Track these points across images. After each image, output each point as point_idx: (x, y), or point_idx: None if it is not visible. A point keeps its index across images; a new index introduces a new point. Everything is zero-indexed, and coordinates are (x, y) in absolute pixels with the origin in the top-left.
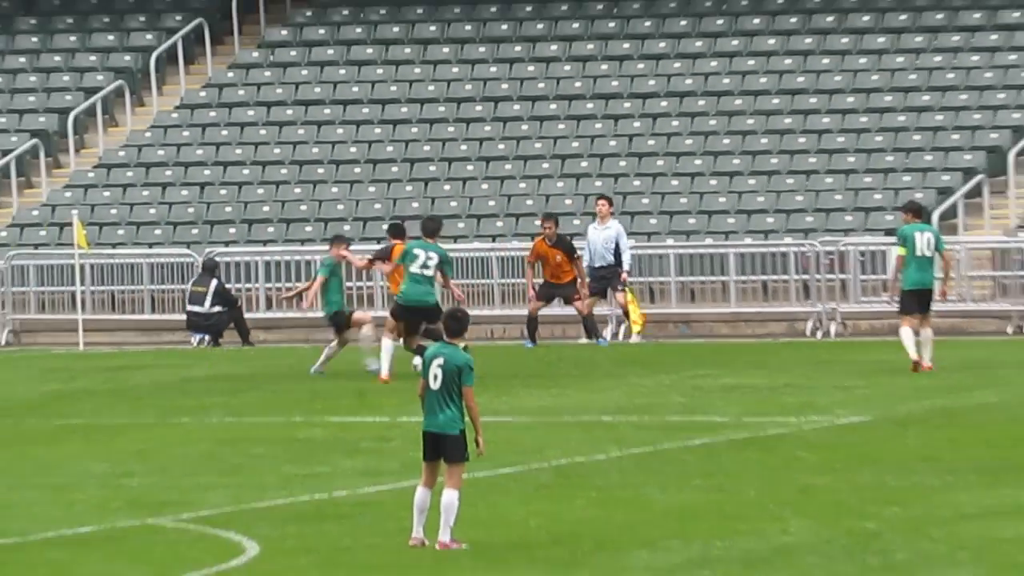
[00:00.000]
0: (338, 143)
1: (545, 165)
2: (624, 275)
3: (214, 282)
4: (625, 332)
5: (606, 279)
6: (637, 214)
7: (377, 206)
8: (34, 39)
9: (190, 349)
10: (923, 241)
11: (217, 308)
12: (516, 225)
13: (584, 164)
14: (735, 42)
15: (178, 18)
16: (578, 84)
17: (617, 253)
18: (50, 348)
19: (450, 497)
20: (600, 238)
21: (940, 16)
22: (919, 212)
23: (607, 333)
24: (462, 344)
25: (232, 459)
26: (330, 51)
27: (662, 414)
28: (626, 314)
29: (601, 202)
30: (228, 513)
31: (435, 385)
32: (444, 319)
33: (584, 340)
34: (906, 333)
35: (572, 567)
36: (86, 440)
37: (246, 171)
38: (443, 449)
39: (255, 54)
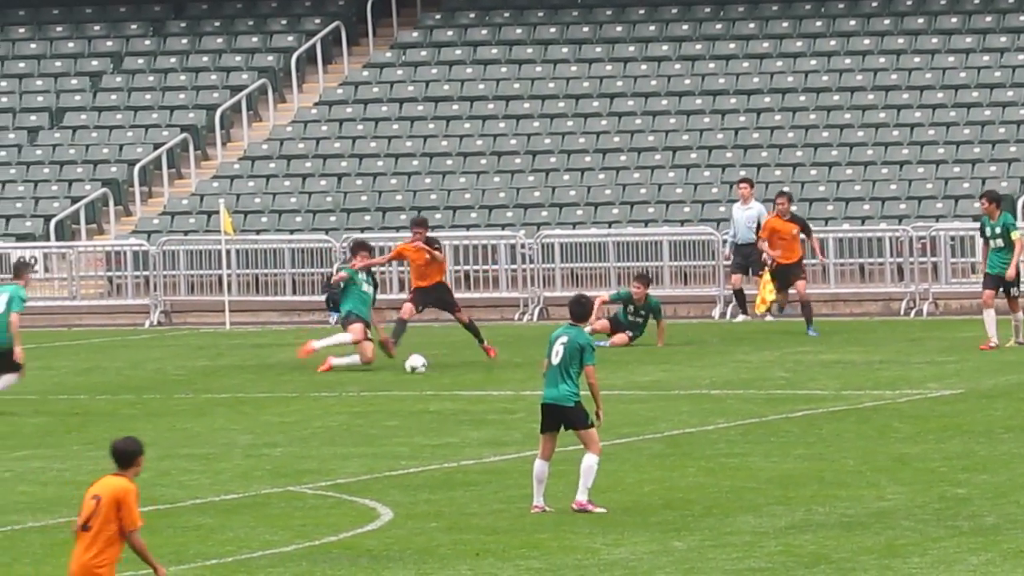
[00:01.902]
0: (465, 136)
1: (657, 156)
2: (765, 256)
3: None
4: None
5: (749, 256)
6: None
7: (501, 194)
8: (184, 41)
9: (328, 328)
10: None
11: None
12: (631, 212)
13: (693, 156)
14: (832, 42)
15: (317, 21)
16: (687, 81)
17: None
18: (198, 328)
19: (590, 461)
20: (743, 217)
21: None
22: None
23: (715, 312)
24: (587, 328)
25: (367, 431)
26: (458, 51)
27: (766, 388)
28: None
29: (743, 185)
30: (363, 481)
31: (555, 360)
32: (570, 304)
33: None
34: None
35: (683, 530)
36: (232, 413)
37: (380, 163)
38: (565, 418)
39: (388, 54)
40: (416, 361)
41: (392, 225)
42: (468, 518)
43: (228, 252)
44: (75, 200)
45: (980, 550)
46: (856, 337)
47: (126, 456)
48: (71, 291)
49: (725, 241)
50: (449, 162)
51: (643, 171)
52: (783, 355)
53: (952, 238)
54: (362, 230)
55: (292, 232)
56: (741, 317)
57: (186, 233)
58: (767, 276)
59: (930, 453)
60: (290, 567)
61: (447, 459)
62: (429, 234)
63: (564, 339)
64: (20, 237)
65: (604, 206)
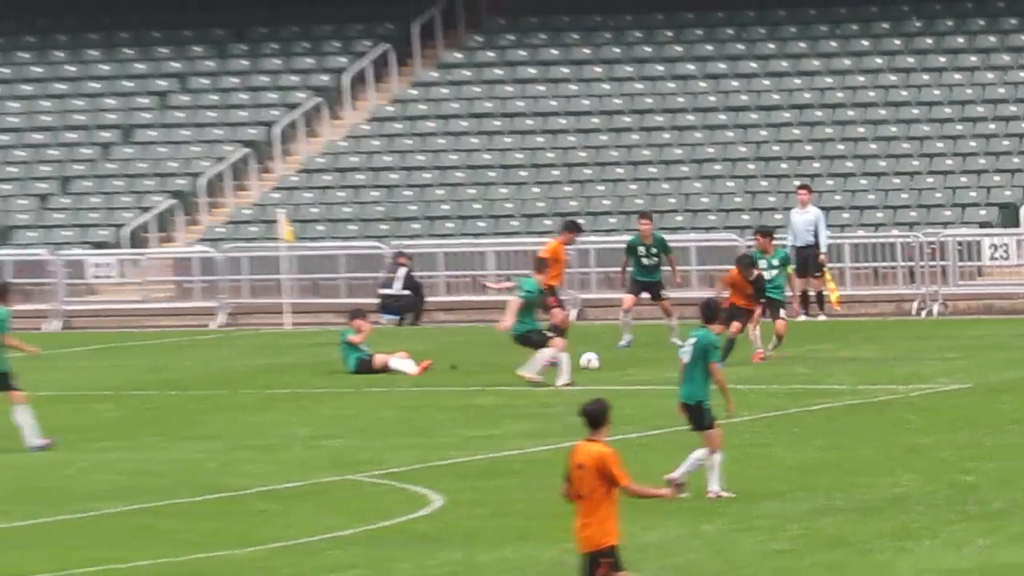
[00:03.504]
0: (506, 150)
1: (684, 168)
2: (822, 256)
3: (402, 269)
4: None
5: (808, 258)
6: (764, 210)
7: (540, 204)
8: (244, 62)
9: (381, 327)
10: None
11: (405, 291)
12: (660, 220)
13: (717, 167)
14: (847, 61)
15: (367, 43)
16: (712, 98)
17: (816, 235)
18: (260, 328)
19: (699, 454)
20: (801, 221)
21: None
22: None
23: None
24: (716, 329)
25: (418, 423)
26: (498, 71)
27: (788, 383)
28: (817, 296)
29: (802, 190)
30: (415, 470)
31: (685, 359)
32: (701, 307)
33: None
34: None
35: (711, 515)
36: (292, 407)
37: (427, 175)
38: (689, 418)
39: (434, 74)
40: (589, 357)
41: (439, 232)
42: (512, 504)
43: (287, 258)
44: (146, 210)
45: (987, 533)
46: (871, 336)
47: (596, 417)
48: (143, 295)
49: (784, 245)
50: (491, 174)
51: (671, 182)
52: (803, 352)
53: (959, 243)
54: (410, 237)
55: (346, 239)
56: (803, 317)
57: (249, 241)
58: (828, 275)
59: (940, 443)
60: (348, 550)
61: (492, 450)
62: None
63: (693, 340)
64: (96, 245)
65: (635, 214)
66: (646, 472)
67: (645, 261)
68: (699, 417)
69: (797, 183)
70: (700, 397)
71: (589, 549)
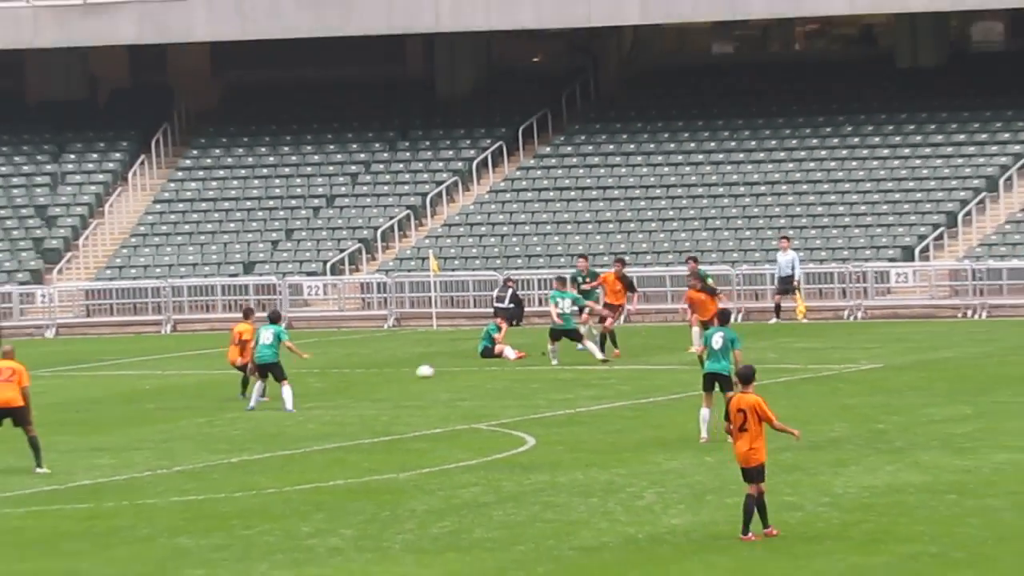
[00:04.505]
0: (578, 211)
1: (717, 222)
2: (796, 282)
3: (510, 289)
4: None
5: (785, 284)
6: (756, 250)
7: (600, 246)
8: (407, 154)
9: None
10: None
11: (511, 304)
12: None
13: (741, 221)
14: (801, 153)
15: (488, 141)
16: (735, 176)
17: (793, 269)
18: (416, 328)
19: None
20: (783, 260)
21: None
22: None
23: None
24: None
25: (519, 390)
26: (574, 160)
27: (761, 363)
28: (776, 307)
29: (783, 240)
30: (517, 421)
31: (716, 347)
32: (719, 314)
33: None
34: None
35: (712, 451)
36: (437, 380)
37: (527, 227)
38: (721, 381)
39: (532, 161)
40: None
41: (534, 265)
42: (581, 444)
43: (434, 283)
44: (342, 251)
45: (893, 463)
46: (817, 333)
47: (747, 376)
48: (339, 306)
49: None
50: (568, 227)
51: (687, 232)
52: (773, 344)
53: (876, 272)
54: (516, 268)
55: (472, 269)
56: (774, 320)
57: (409, 270)
58: (799, 295)
59: (862, 404)
60: (474, 474)
61: (568, 407)
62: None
63: (721, 334)
64: (308, 273)
65: (658, 254)
66: (675, 421)
67: (583, 287)
68: (727, 381)
69: (780, 234)
70: (727, 370)
71: (751, 464)
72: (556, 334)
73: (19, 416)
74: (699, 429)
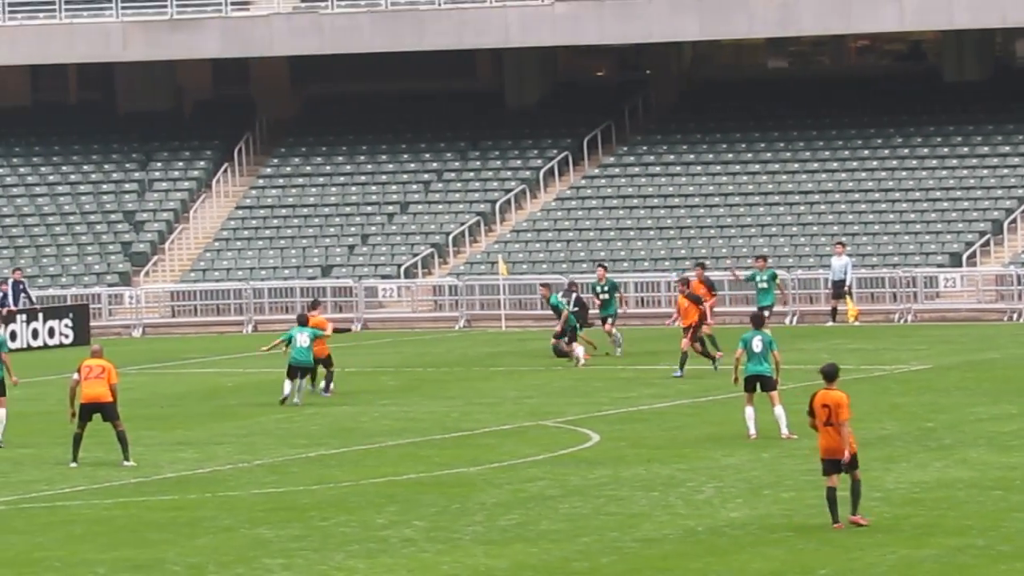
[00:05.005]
0: (640, 218)
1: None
2: (847, 287)
3: (574, 294)
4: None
5: (839, 287)
6: (815, 255)
7: (662, 252)
8: (477, 163)
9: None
10: None
11: (576, 308)
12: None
13: (795, 227)
14: (854, 163)
15: (554, 151)
16: (789, 186)
17: (846, 273)
18: (486, 329)
19: (779, 410)
20: (838, 264)
21: None
22: None
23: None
24: (767, 329)
25: (584, 388)
26: (636, 169)
27: (817, 364)
28: (833, 311)
29: (838, 245)
30: (582, 418)
31: (758, 349)
32: (752, 317)
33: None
34: None
35: (769, 448)
36: (505, 378)
37: (591, 233)
38: (763, 382)
39: (596, 170)
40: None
41: (591, 270)
42: (643, 440)
43: (504, 286)
44: (414, 254)
45: (941, 459)
46: (869, 335)
47: (832, 374)
48: (412, 308)
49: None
50: (631, 232)
51: (744, 238)
52: (827, 345)
53: (925, 277)
54: (581, 273)
55: (539, 273)
56: (830, 323)
57: (480, 273)
58: (850, 299)
59: (911, 402)
60: (540, 468)
61: (630, 405)
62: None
63: (760, 337)
64: (383, 276)
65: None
66: (732, 419)
67: (602, 297)
68: (771, 382)
69: (835, 241)
70: (769, 371)
71: (835, 457)
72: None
73: (108, 411)
74: (747, 427)
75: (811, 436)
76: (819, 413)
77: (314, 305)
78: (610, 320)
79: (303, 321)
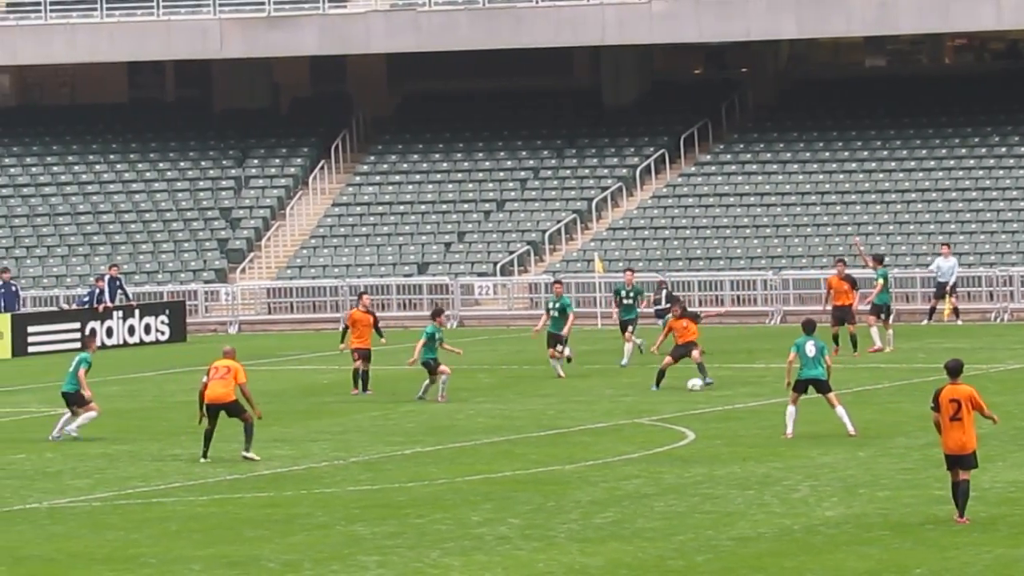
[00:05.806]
0: (736, 216)
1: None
2: (950, 286)
3: (664, 290)
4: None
5: (944, 287)
6: (925, 254)
7: (759, 249)
8: (573, 161)
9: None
10: None
11: (668, 304)
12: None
13: (892, 228)
14: (953, 161)
15: (651, 149)
16: (866, 186)
17: (952, 273)
18: (581, 327)
19: (840, 410)
20: (945, 265)
21: None
22: None
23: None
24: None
25: (678, 387)
26: (732, 167)
27: (911, 363)
28: (931, 310)
29: (944, 246)
30: (677, 416)
31: (811, 354)
32: (803, 324)
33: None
34: None
35: (863, 446)
36: (603, 376)
37: (688, 231)
38: (818, 385)
39: (692, 168)
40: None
41: (694, 268)
42: (738, 438)
43: (599, 283)
44: (511, 253)
45: None
46: (966, 334)
47: (957, 369)
48: (508, 305)
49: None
50: (727, 231)
51: (857, 234)
52: (922, 344)
53: (1022, 276)
54: (677, 271)
55: (634, 272)
56: (925, 322)
57: (575, 272)
58: (950, 298)
59: (1008, 401)
60: (636, 466)
61: (725, 403)
62: None
63: (813, 342)
64: (479, 273)
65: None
66: (827, 418)
67: (626, 302)
68: (825, 385)
69: (939, 242)
70: (823, 375)
71: (966, 452)
72: (552, 339)
73: (231, 409)
74: (785, 425)
75: (903, 434)
76: (947, 408)
77: (436, 313)
78: (631, 328)
79: (86, 343)
